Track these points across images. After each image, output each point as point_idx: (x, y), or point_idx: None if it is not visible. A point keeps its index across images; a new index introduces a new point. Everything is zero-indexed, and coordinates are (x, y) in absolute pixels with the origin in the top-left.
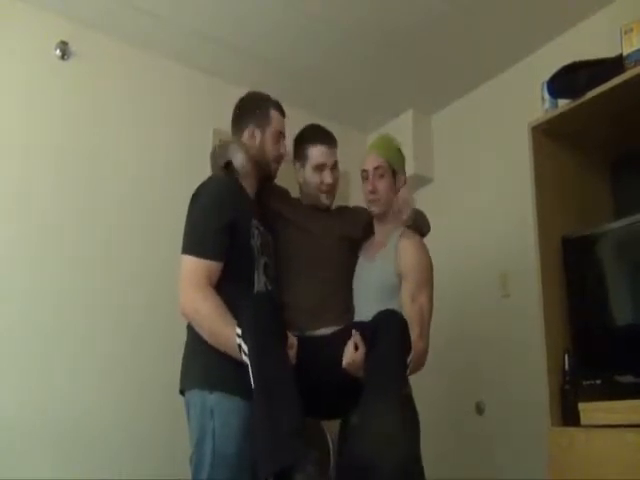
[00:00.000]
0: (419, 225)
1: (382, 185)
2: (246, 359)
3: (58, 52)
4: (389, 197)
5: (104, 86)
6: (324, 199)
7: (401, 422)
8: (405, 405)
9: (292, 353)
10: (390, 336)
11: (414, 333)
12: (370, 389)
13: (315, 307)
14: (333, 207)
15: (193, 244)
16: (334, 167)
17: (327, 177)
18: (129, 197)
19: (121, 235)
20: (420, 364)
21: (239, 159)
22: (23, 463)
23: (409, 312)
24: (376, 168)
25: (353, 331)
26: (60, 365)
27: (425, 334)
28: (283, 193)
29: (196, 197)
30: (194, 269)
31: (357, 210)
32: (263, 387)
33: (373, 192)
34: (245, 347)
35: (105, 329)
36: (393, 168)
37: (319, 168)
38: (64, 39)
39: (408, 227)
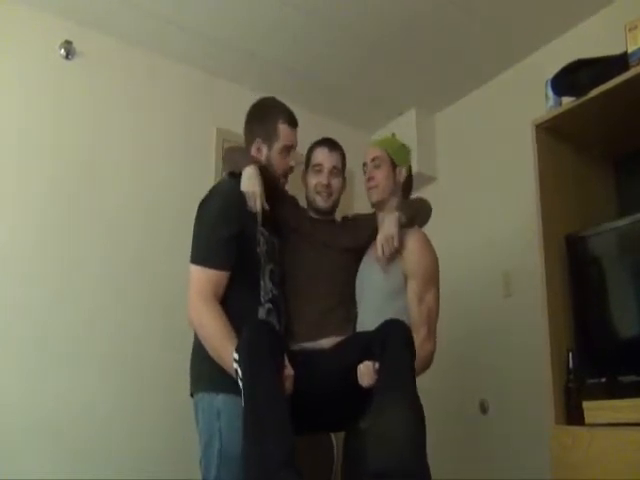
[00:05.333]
0: (414, 220)
1: (379, 174)
2: (241, 384)
3: (62, 52)
4: (386, 185)
5: (108, 85)
6: (319, 201)
7: (414, 427)
8: (417, 409)
9: (288, 384)
10: (398, 346)
11: (421, 334)
12: (383, 397)
13: (316, 318)
14: (339, 218)
15: (199, 254)
16: (333, 172)
17: (322, 178)
18: (131, 196)
19: (121, 234)
20: (427, 365)
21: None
22: (23, 463)
23: (416, 313)
24: (373, 159)
25: (371, 363)
26: (60, 364)
27: (432, 335)
28: (291, 201)
29: (203, 205)
30: (201, 279)
31: (362, 218)
32: (253, 417)
33: (370, 180)
34: (240, 372)
35: (105, 328)
36: (392, 160)
37: (317, 169)
38: (68, 39)
39: (402, 226)
